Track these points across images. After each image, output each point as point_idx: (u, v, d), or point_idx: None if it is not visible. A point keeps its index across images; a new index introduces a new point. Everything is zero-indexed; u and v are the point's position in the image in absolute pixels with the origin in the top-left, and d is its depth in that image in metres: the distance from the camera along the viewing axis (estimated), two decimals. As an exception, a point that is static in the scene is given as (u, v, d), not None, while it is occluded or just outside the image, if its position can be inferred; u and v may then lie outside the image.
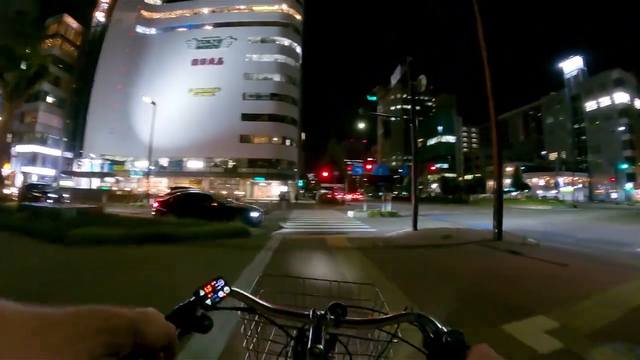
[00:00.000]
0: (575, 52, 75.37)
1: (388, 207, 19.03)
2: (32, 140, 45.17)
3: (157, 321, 0.38)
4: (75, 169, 48.98)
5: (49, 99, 47.44)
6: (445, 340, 0.52)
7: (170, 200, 12.45)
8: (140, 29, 51.86)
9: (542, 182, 70.28)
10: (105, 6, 51.95)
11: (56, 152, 47.82)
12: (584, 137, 71.79)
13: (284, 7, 50.59)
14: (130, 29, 51.18)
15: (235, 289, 0.64)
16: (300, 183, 50.87)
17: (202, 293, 0.59)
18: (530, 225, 14.09)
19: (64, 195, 21.75)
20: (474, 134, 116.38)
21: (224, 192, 45.33)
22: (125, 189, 44.03)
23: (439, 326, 0.57)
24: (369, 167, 46.98)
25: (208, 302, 0.58)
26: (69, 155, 49.44)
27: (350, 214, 18.81)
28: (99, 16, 51.98)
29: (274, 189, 47.70)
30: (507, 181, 69.75)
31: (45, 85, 46.76)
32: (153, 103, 26.07)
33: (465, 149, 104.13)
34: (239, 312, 0.68)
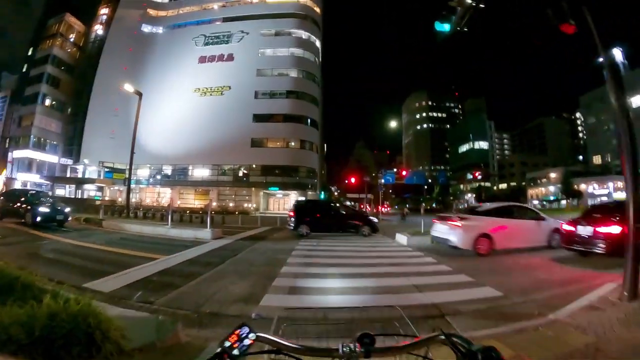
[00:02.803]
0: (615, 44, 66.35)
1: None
2: (29, 145, 41.79)
3: None
4: (70, 176, 44.75)
5: (47, 102, 44.14)
6: (480, 358, 0.50)
7: (303, 209, 13.45)
8: (145, 28, 47.96)
9: (590, 189, 60.82)
10: (109, 5, 48.77)
11: (53, 158, 44.35)
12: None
13: (301, -3, 45.63)
14: (134, 27, 47.34)
15: (260, 334, 0.63)
16: (322, 194, 43.91)
17: (227, 344, 0.58)
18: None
19: (64, 208, 13.42)
20: (506, 140, 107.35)
21: (232, 204, 39.23)
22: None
23: (472, 344, 0.55)
24: (404, 173, 39.89)
25: (235, 352, 0.57)
26: (69, 161, 45.38)
27: (401, 238, 11.41)
28: (102, 15, 48.78)
29: (292, 201, 40.99)
30: (551, 188, 61.63)
31: (43, 87, 43.75)
32: (138, 93, 20.42)
33: (497, 157, 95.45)
34: (266, 355, 0.67)
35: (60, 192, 41.14)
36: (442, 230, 8.93)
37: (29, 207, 12.50)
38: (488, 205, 10.14)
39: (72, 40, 48.79)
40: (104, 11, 48.92)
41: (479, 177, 63.42)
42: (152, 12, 49.00)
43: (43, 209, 12.40)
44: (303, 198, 40.02)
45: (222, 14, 46.28)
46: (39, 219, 12.01)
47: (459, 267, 6.62)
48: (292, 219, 12.92)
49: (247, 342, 0.59)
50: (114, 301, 4.08)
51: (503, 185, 76.48)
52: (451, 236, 8.40)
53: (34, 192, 16.21)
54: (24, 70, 47.48)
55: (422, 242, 10.60)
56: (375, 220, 14.08)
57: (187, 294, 4.70)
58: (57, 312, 2.04)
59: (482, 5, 6.28)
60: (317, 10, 47.11)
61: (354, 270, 6.50)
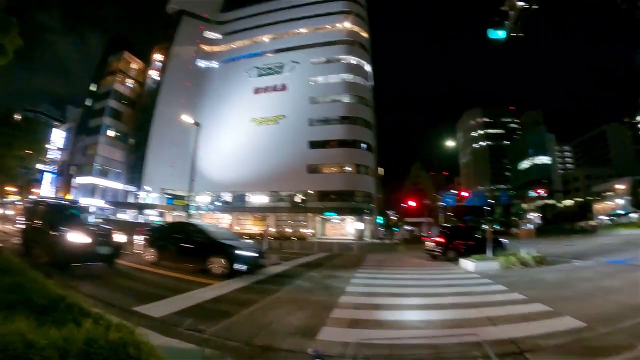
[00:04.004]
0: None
1: (530, 250, 11.30)
2: (93, 172, 45.09)
3: None
4: (132, 202, 47.26)
5: (110, 133, 47.46)
6: None
7: (452, 234, 14.29)
8: (200, 63, 50.76)
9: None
10: (165, 43, 52.04)
11: (117, 185, 47.24)
12: None
13: (347, 24, 46.48)
14: (190, 62, 50.30)
15: None
16: (380, 219, 43.43)
17: None
18: None
19: (111, 235, 8.42)
20: (567, 153, 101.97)
21: (289, 230, 39.67)
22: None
23: None
24: (464, 194, 38.82)
25: None
26: (131, 188, 47.96)
27: (467, 264, 10.96)
28: (159, 52, 52.09)
29: (348, 226, 40.90)
30: (619, 201, 57.57)
31: (106, 119, 46.90)
32: (196, 124, 21.51)
33: (560, 171, 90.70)
34: None
35: (122, 216, 43.40)
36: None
37: (54, 234, 7.15)
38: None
39: (131, 76, 52.36)
40: (160, 49, 52.29)
41: (542, 194, 60.22)
42: (206, 47, 51.90)
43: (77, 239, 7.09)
44: (360, 223, 39.94)
45: (273, 46, 48.08)
46: (68, 256, 7.08)
47: (533, 295, 6.19)
48: (436, 245, 13.95)
49: None
50: (163, 328, 3.95)
51: (568, 202, 72.10)
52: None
53: (66, 204, 10.44)
54: (88, 104, 51.39)
55: (489, 268, 10.08)
56: (507, 241, 14.12)
57: (240, 324, 4.50)
58: (96, 338, 1.90)
59: (535, 7, 6.07)
60: (364, 34, 47.77)
61: (418, 301, 6.17)
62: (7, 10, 14.18)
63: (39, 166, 62.40)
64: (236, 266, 8.15)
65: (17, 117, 71.94)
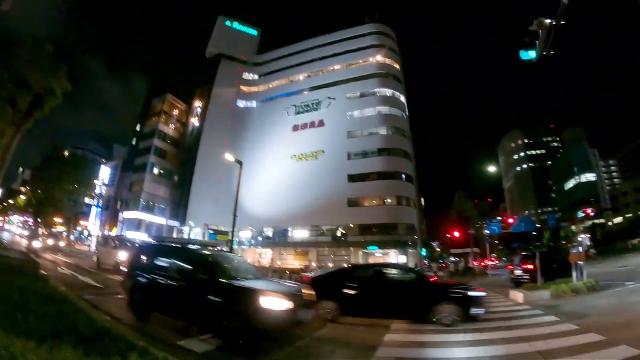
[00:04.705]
0: None
1: (581, 275, 10.68)
2: (138, 208, 47.14)
3: None
4: (176, 236, 48.99)
5: (155, 170, 50.11)
6: None
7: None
8: (240, 103, 53.55)
9: None
10: (206, 85, 55.36)
11: (161, 220, 49.10)
12: None
13: (379, 57, 47.67)
14: (230, 103, 53.16)
15: None
16: (424, 251, 42.42)
17: None
18: None
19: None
20: (613, 167, 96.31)
21: (331, 265, 39.43)
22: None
23: None
24: (510, 221, 37.30)
25: None
26: (175, 223, 49.86)
27: (517, 296, 10.53)
28: (200, 94, 55.41)
29: (392, 260, 40.17)
30: None
31: (151, 157, 49.73)
32: (238, 162, 22.17)
33: (607, 187, 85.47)
34: None
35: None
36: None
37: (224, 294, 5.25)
38: None
39: (175, 116, 55.77)
40: (201, 91, 55.80)
41: (591, 213, 56.67)
42: (244, 88, 54.90)
43: None
44: (404, 257, 39.16)
45: (309, 83, 50.04)
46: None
47: (585, 324, 5.98)
48: (524, 272, 14.56)
49: None
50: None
51: (618, 219, 67.23)
52: None
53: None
54: (133, 142, 55.01)
55: (539, 298, 9.72)
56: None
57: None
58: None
59: (562, 22, 6.00)
60: (397, 66, 48.68)
61: (466, 337, 5.87)
62: (55, 56, 15.89)
63: (86, 200, 67.06)
64: (473, 311, 6.96)
65: (66, 153, 78.21)
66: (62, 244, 34.20)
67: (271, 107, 51.13)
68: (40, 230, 43.00)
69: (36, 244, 20.94)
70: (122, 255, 14.69)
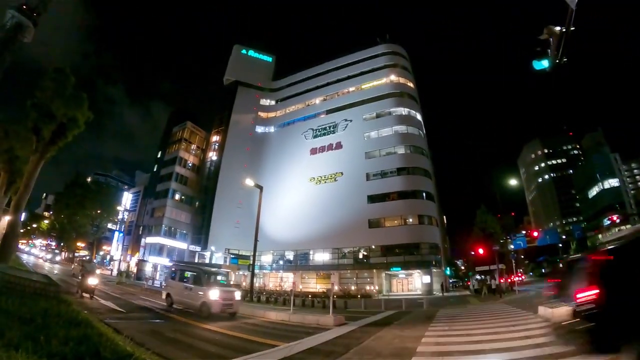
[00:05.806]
0: None
1: None
2: (160, 233, 47.92)
3: None
4: (197, 261, 49.55)
5: (177, 196, 51.19)
6: None
7: None
8: (259, 129, 55.02)
9: None
10: (224, 113, 57.13)
11: (182, 245, 49.92)
12: None
13: (393, 77, 48.41)
14: (248, 129, 54.61)
15: None
16: (448, 270, 41.41)
17: None
18: None
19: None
20: (636, 170, 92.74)
21: (354, 287, 38.87)
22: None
23: None
24: (535, 234, 36.16)
25: None
26: (197, 248, 50.70)
27: (546, 312, 9.09)
28: (219, 121, 57.15)
29: (416, 281, 39.37)
30: None
31: (173, 184, 51.14)
32: (258, 187, 22.38)
33: (632, 191, 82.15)
34: None
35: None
36: None
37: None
38: None
39: (195, 143, 57.52)
40: (220, 118, 57.65)
41: (617, 220, 54.13)
42: (262, 114, 56.50)
43: None
44: (427, 277, 38.28)
45: (325, 107, 51.06)
46: None
47: None
48: None
49: None
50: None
51: None
52: None
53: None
54: (155, 169, 56.72)
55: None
56: None
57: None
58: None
59: (572, 28, 5.86)
60: (411, 84, 49.17)
61: None
62: (78, 86, 16.54)
63: (109, 225, 69.06)
64: None
65: (89, 179, 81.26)
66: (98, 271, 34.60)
67: (289, 131, 52.30)
68: (77, 258, 44.10)
69: (93, 281, 14.08)
70: (213, 295, 11.18)
